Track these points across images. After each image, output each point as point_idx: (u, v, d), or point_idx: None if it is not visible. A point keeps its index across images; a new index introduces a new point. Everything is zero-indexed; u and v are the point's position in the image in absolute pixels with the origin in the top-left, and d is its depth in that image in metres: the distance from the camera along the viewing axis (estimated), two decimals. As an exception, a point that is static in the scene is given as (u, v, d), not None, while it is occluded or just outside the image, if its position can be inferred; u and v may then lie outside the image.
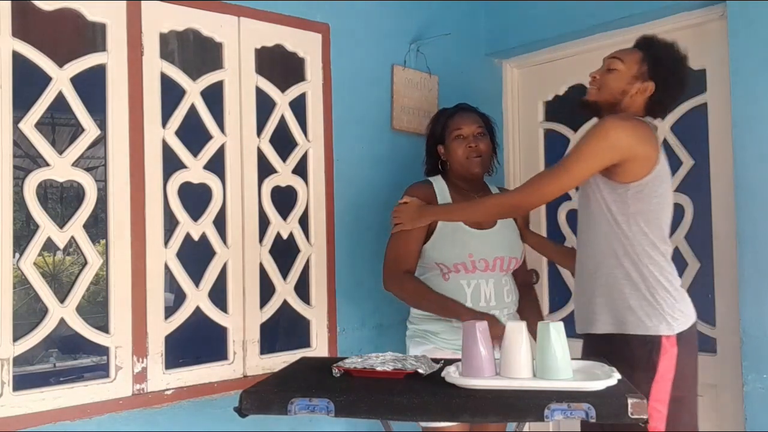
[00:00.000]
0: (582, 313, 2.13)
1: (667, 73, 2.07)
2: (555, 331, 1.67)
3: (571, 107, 3.24)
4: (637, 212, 2.00)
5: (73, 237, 2.21)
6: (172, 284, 2.49)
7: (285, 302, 2.64)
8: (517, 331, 1.70)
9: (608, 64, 2.12)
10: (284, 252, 2.67)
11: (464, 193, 2.46)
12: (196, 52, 2.84)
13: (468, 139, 2.43)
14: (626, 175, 1.99)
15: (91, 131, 2.24)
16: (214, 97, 2.50)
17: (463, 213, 2.33)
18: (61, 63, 2.19)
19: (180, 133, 2.41)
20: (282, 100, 2.66)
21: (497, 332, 1.83)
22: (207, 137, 2.49)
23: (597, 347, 2.04)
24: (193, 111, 2.46)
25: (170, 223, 2.42)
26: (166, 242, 2.37)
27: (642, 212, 2.00)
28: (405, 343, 2.50)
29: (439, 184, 2.47)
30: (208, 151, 2.48)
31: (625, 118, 2.04)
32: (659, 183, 2.01)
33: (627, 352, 1.96)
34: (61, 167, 2.19)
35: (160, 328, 2.33)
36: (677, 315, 1.98)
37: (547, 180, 2.10)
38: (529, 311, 2.47)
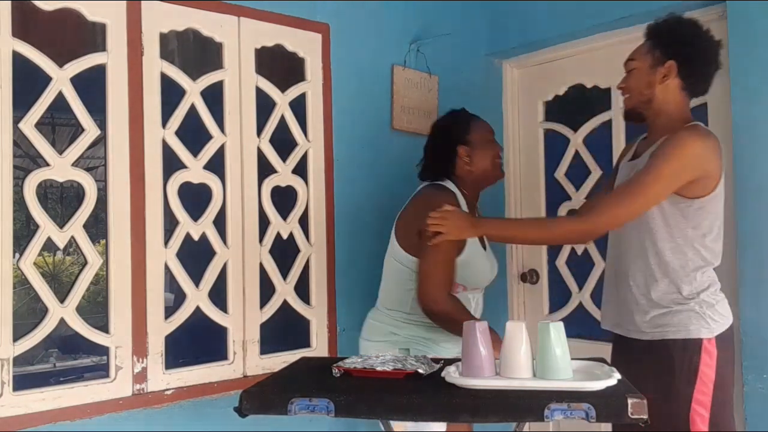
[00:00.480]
0: (624, 318, 2.05)
1: (681, 46, 1.97)
2: (555, 331, 1.67)
3: (571, 107, 3.24)
4: (695, 226, 1.93)
5: (73, 237, 2.21)
6: (172, 284, 2.49)
7: (285, 302, 2.64)
8: (517, 330, 1.70)
9: (626, 68, 2.06)
10: (284, 252, 2.67)
11: (470, 204, 2.37)
12: (196, 52, 2.84)
13: (496, 144, 2.43)
14: (693, 191, 1.90)
15: (91, 131, 2.24)
16: (214, 97, 2.50)
17: (525, 232, 2.12)
18: (61, 63, 2.19)
19: (180, 133, 2.42)
20: (282, 100, 2.67)
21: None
22: (207, 137, 2.49)
23: (636, 352, 1.99)
24: (193, 111, 2.46)
25: (170, 223, 2.42)
26: (166, 242, 2.37)
27: (698, 227, 1.93)
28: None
29: (457, 193, 2.32)
30: (208, 151, 2.48)
31: (701, 132, 1.93)
32: (719, 200, 1.94)
33: (667, 357, 1.92)
34: (61, 167, 2.19)
35: (160, 328, 2.33)
36: (717, 317, 1.94)
37: (622, 203, 1.92)
38: None
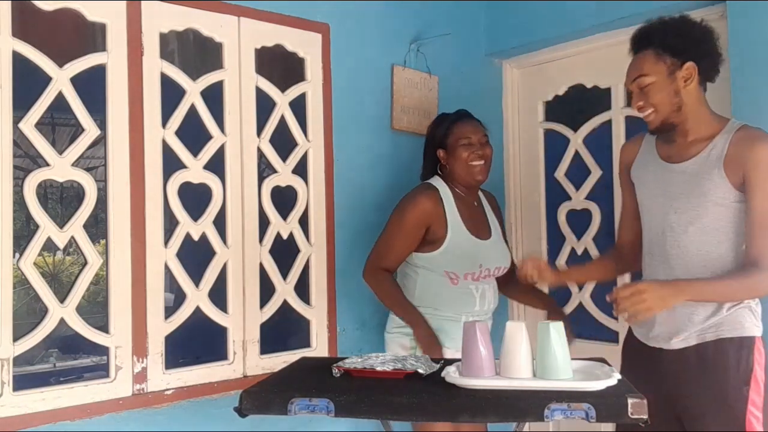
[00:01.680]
0: (677, 328, 1.93)
1: (692, 44, 1.89)
2: (555, 331, 1.67)
3: (571, 107, 3.24)
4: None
5: (73, 237, 2.21)
6: (172, 284, 2.49)
7: (285, 302, 2.64)
8: (517, 330, 1.70)
9: (638, 85, 1.92)
10: (284, 252, 2.67)
11: (463, 199, 2.49)
12: (196, 52, 2.84)
13: (474, 146, 2.45)
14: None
15: (91, 131, 2.24)
16: (214, 97, 2.50)
17: (724, 294, 1.88)
18: (61, 63, 2.19)
19: (180, 133, 2.42)
20: (282, 100, 2.66)
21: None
22: (207, 137, 2.49)
23: (682, 360, 1.90)
24: (193, 111, 2.46)
25: (170, 223, 2.42)
26: (166, 242, 2.37)
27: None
28: (389, 342, 2.53)
29: (443, 189, 2.47)
30: (208, 151, 2.48)
31: None
32: None
33: (722, 357, 1.85)
34: (61, 167, 2.19)
35: (160, 328, 2.33)
36: (761, 315, 1.90)
37: None
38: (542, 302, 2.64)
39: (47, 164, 2.18)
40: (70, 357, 3.82)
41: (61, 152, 2.19)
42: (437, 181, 2.50)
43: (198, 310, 2.44)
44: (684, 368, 1.89)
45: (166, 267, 2.37)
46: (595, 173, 3.06)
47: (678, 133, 1.96)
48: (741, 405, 1.81)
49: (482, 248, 2.45)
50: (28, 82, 2.14)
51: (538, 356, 1.68)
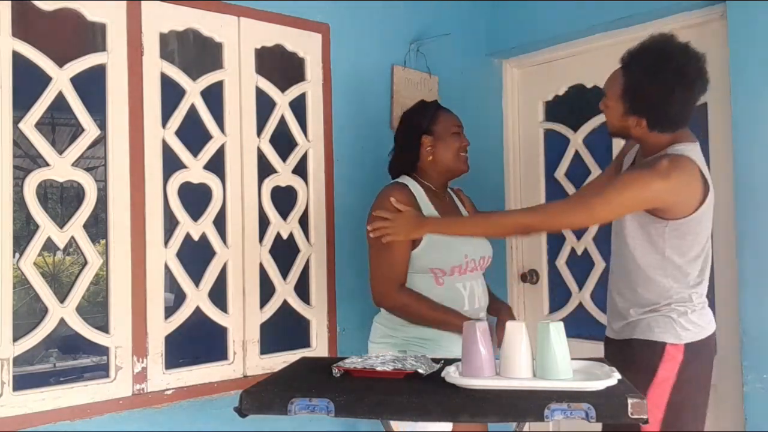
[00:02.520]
0: (611, 320, 2.19)
1: (647, 105, 1.97)
2: (555, 331, 1.67)
3: (571, 107, 3.24)
4: (671, 246, 1.98)
5: (73, 237, 2.21)
6: (172, 284, 2.49)
7: (285, 302, 2.64)
8: (517, 330, 1.70)
9: (603, 94, 2.10)
10: (284, 252, 2.67)
11: (435, 193, 2.37)
12: (196, 52, 2.84)
13: (462, 137, 2.38)
14: (666, 214, 1.96)
15: (91, 131, 2.24)
16: (214, 97, 2.50)
17: (472, 228, 2.24)
18: (61, 63, 2.19)
19: (180, 133, 2.42)
20: (282, 100, 2.67)
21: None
22: (207, 137, 2.49)
23: (610, 351, 2.14)
24: (193, 111, 2.46)
25: (170, 223, 2.42)
26: (166, 242, 2.37)
27: (675, 246, 1.98)
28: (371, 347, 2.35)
29: (415, 187, 2.33)
30: (208, 151, 2.48)
31: (676, 165, 1.92)
32: (697, 222, 1.98)
33: (632, 356, 2.01)
34: (61, 167, 2.19)
35: (160, 328, 2.33)
36: (689, 326, 2.00)
37: (575, 209, 2.06)
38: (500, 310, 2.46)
39: (47, 164, 2.18)
40: (70, 357, 3.82)
41: (61, 152, 2.19)
42: (405, 179, 2.37)
43: (198, 310, 2.44)
44: (609, 358, 2.01)
45: (166, 267, 2.37)
46: (595, 173, 3.06)
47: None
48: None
49: (463, 239, 2.31)
50: (28, 82, 2.14)
51: (538, 356, 1.68)
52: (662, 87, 1.94)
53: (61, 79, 2.19)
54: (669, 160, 1.93)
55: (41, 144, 2.16)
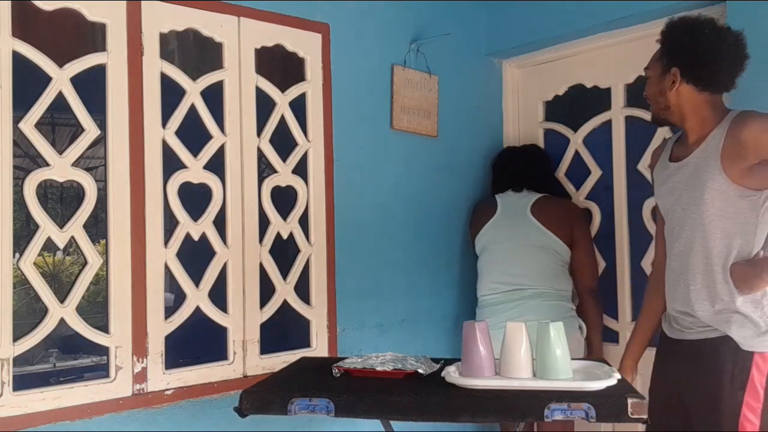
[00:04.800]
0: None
1: (681, 51, 1.96)
2: (555, 331, 1.67)
3: (571, 107, 3.24)
4: (763, 222, 1.87)
5: (73, 237, 2.21)
6: (172, 284, 2.49)
7: (285, 302, 2.64)
8: (516, 331, 1.70)
9: (646, 74, 2.08)
10: (284, 252, 2.67)
11: None
12: (196, 52, 2.84)
13: None
14: (760, 181, 1.85)
15: (91, 131, 2.24)
16: (214, 97, 2.50)
17: None
18: (61, 63, 2.19)
19: (180, 133, 2.41)
20: (282, 100, 2.66)
21: None
22: (207, 137, 2.49)
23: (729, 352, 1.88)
24: (193, 111, 2.46)
25: (170, 223, 2.42)
26: (166, 242, 2.37)
27: (765, 222, 1.87)
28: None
29: None
30: (208, 151, 2.48)
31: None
32: None
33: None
34: (61, 167, 2.18)
35: (160, 328, 2.33)
36: None
37: None
38: None
39: (47, 164, 2.18)
40: (70, 357, 3.82)
41: (61, 152, 2.19)
42: None
43: (198, 310, 2.44)
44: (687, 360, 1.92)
45: (166, 267, 2.37)
46: (595, 173, 3.06)
47: (684, 134, 2.03)
48: (736, 405, 1.82)
49: None
50: (28, 82, 2.14)
51: (538, 356, 1.68)
52: (698, 35, 1.93)
53: (61, 79, 2.19)
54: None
55: (41, 144, 2.16)
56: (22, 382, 2.09)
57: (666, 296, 2.07)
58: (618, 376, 1.65)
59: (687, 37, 1.97)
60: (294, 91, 2.70)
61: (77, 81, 2.22)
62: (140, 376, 2.27)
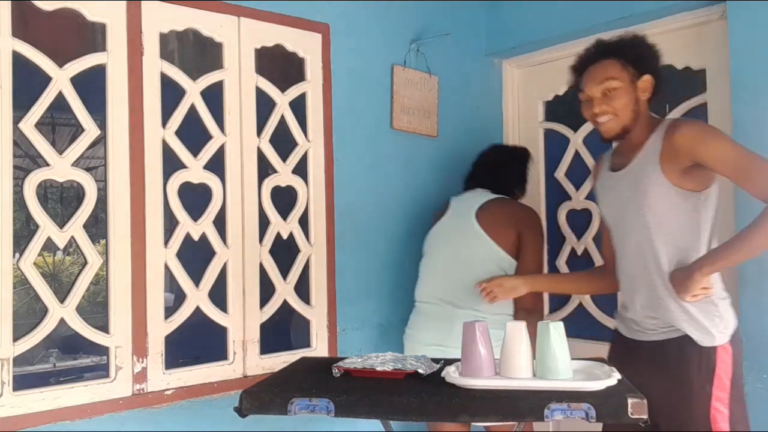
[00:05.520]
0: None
1: (650, 60, 2.02)
2: (555, 331, 1.67)
3: (571, 107, 3.24)
4: (705, 221, 1.92)
5: (73, 237, 2.21)
6: (172, 284, 2.49)
7: (285, 302, 2.64)
8: (516, 330, 1.70)
9: (605, 89, 1.97)
10: (284, 252, 2.67)
11: None
12: (196, 52, 2.84)
13: None
14: (698, 182, 1.91)
15: (91, 131, 2.24)
16: (214, 97, 2.50)
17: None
18: (61, 63, 2.19)
19: (180, 133, 2.41)
20: (282, 100, 2.66)
21: None
22: (207, 137, 2.49)
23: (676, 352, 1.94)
24: (193, 111, 2.46)
25: (170, 223, 2.42)
26: (166, 242, 2.37)
27: (707, 221, 1.93)
28: None
29: None
30: (208, 151, 2.48)
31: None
32: (715, 193, 1.95)
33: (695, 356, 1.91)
34: (61, 167, 2.19)
35: (160, 328, 2.33)
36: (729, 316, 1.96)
37: None
38: None
39: (47, 164, 2.18)
40: (70, 357, 3.82)
41: (61, 152, 2.19)
42: None
43: (198, 310, 2.44)
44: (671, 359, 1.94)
45: (166, 267, 2.37)
46: (595, 173, 3.06)
47: (625, 142, 2.04)
48: (706, 401, 1.88)
49: None
50: (28, 82, 2.14)
51: (538, 356, 1.68)
52: (652, 44, 2.03)
53: (61, 79, 2.19)
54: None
55: (41, 144, 2.16)
56: (22, 382, 2.09)
57: (623, 301, 2.12)
58: (618, 376, 1.65)
59: (648, 45, 2.03)
60: (294, 91, 2.70)
61: (77, 81, 2.22)
62: (140, 376, 2.27)
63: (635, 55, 1.99)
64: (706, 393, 1.87)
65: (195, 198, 2.49)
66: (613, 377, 1.63)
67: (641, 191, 1.94)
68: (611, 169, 2.10)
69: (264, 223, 2.61)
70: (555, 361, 1.65)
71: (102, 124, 2.27)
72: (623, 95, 1.96)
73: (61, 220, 2.21)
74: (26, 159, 2.84)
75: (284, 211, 2.66)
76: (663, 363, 1.95)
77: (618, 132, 1.99)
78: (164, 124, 2.38)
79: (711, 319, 1.91)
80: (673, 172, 1.90)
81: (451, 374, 1.70)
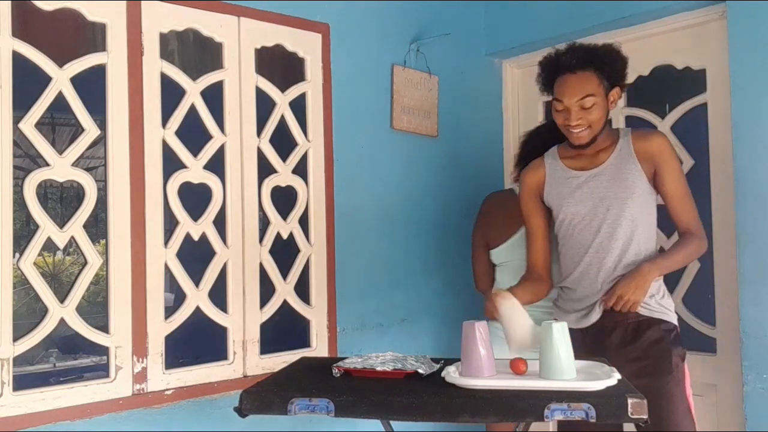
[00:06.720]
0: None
1: (621, 71, 2.13)
2: (558, 331, 1.67)
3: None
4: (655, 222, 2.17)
5: (73, 237, 2.21)
6: (172, 284, 2.49)
7: (285, 302, 2.64)
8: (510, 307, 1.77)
9: (582, 103, 2.04)
10: (284, 252, 2.67)
11: None
12: (196, 52, 2.84)
13: None
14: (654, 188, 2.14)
15: (91, 131, 2.24)
16: (214, 97, 2.50)
17: (681, 262, 2.20)
18: (61, 63, 2.19)
19: (180, 133, 2.41)
20: (282, 100, 2.66)
21: None
22: (207, 137, 2.49)
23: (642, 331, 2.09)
24: (193, 111, 2.46)
25: (170, 223, 2.42)
26: (166, 242, 2.37)
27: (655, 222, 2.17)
28: None
29: None
30: (208, 151, 2.48)
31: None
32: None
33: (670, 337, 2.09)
34: (61, 167, 2.18)
35: (160, 328, 2.32)
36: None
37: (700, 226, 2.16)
38: None
39: (47, 164, 2.18)
40: (70, 357, 3.83)
41: (61, 152, 2.19)
42: None
43: (198, 310, 2.44)
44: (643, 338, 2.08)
45: (166, 267, 2.37)
46: (595, 173, 3.06)
47: (589, 147, 2.14)
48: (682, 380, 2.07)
49: None
50: (28, 82, 2.14)
51: (541, 356, 1.68)
52: (623, 56, 2.14)
53: (61, 79, 2.19)
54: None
55: (41, 144, 2.16)
56: (22, 382, 2.09)
57: (581, 290, 2.15)
58: (618, 375, 1.65)
59: (622, 57, 2.13)
60: (294, 91, 2.70)
61: (77, 81, 2.22)
62: (140, 376, 2.27)
63: (611, 68, 2.09)
64: (681, 368, 2.06)
65: (195, 198, 2.49)
66: (613, 377, 1.63)
67: (624, 186, 2.09)
68: (579, 170, 2.18)
69: (264, 223, 2.61)
70: (558, 362, 1.65)
71: (102, 124, 2.27)
72: (599, 109, 2.07)
73: (61, 220, 2.21)
74: (26, 159, 2.84)
75: (284, 211, 2.66)
76: (639, 340, 2.07)
77: (589, 140, 2.10)
78: (164, 124, 2.38)
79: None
80: (646, 173, 2.09)
81: (451, 374, 1.70)
